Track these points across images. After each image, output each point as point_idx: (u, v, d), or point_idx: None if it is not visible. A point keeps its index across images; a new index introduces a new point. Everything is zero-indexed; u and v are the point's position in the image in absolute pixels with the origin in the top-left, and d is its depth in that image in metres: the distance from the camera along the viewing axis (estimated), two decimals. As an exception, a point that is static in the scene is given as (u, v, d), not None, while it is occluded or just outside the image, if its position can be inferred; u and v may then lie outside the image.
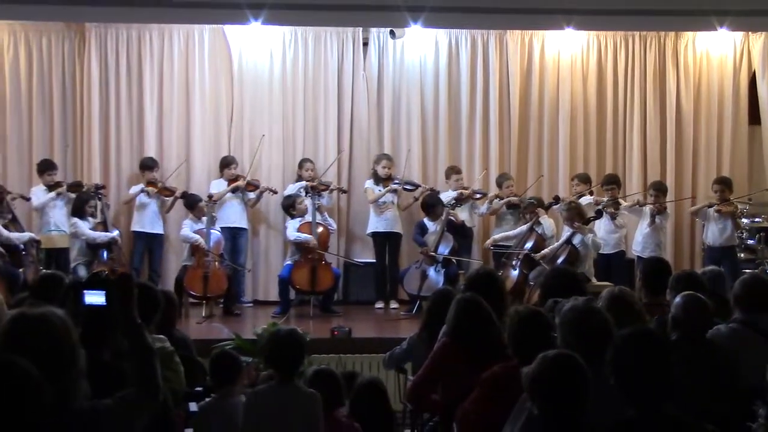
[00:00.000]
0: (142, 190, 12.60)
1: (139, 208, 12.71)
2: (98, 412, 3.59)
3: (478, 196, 13.02)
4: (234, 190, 12.71)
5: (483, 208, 13.03)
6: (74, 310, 3.87)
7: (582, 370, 4.16)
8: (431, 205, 12.59)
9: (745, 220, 12.55)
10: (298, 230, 12.33)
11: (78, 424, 3.43)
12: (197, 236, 12.20)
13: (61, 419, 3.15)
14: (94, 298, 3.95)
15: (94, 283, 3.99)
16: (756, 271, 10.76)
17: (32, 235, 11.69)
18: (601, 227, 12.25)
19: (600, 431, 3.94)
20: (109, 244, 12.00)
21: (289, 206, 12.52)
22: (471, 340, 6.07)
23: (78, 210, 11.98)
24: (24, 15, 12.29)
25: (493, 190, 13.12)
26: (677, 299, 5.81)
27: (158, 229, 12.84)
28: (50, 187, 12.22)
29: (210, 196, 12.47)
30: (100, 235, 11.95)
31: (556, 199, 12.65)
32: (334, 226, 12.92)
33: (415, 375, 6.56)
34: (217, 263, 12.23)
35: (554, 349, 4.48)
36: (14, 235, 11.25)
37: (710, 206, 12.39)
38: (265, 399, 5.46)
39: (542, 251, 11.71)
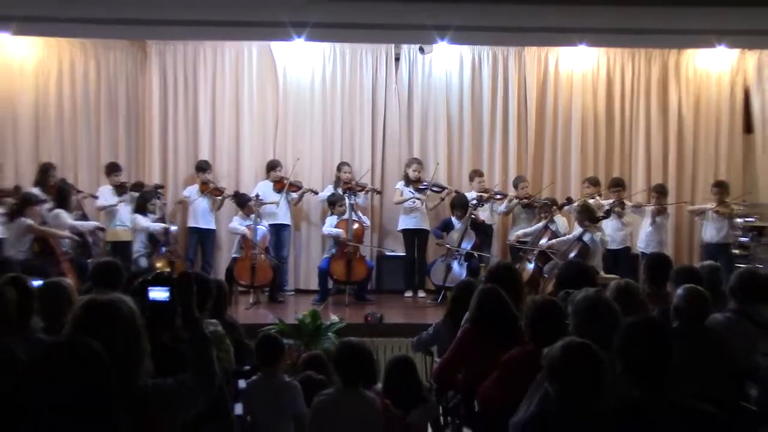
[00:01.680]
0: (191, 194, 12.80)
1: (193, 206, 12.81)
2: (160, 389, 3.62)
3: (498, 197, 13.01)
4: (279, 191, 12.76)
5: (502, 207, 13.03)
6: (140, 303, 3.90)
7: (599, 360, 4.14)
8: (459, 205, 12.58)
9: (739, 220, 12.52)
10: (336, 226, 12.45)
11: (141, 398, 3.45)
12: (243, 228, 12.31)
13: (126, 394, 3.17)
14: (158, 293, 4.03)
15: (158, 281, 4.05)
16: (749, 266, 10.71)
17: (97, 223, 11.82)
18: (609, 225, 12.19)
19: (607, 412, 3.91)
20: (166, 235, 12.09)
21: (334, 203, 12.60)
22: (491, 326, 6.07)
23: (140, 207, 12.12)
24: (94, 33, 12.38)
25: (511, 191, 13.10)
26: (679, 291, 5.79)
27: (210, 225, 12.91)
28: (116, 188, 12.35)
29: (257, 196, 12.53)
30: (155, 226, 12.06)
31: (569, 200, 12.72)
32: (368, 222, 12.96)
33: (441, 358, 6.56)
34: (263, 256, 12.29)
35: (571, 337, 4.47)
36: (79, 223, 11.40)
37: (709, 208, 12.53)
38: (330, 404, 5.46)
39: (551, 241, 11.75)
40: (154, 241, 12.11)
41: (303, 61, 13.58)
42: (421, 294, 12.92)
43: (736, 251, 12.37)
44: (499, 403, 5.16)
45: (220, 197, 12.82)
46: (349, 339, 5.98)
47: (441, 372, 6.41)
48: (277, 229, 12.79)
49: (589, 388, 4.11)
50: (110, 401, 2.87)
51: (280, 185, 12.79)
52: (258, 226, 12.38)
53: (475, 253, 12.30)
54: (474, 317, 6.22)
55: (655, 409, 3.78)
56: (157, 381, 3.65)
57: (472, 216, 12.52)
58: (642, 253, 12.12)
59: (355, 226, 12.50)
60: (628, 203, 12.66)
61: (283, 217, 12.88)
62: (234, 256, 12.50)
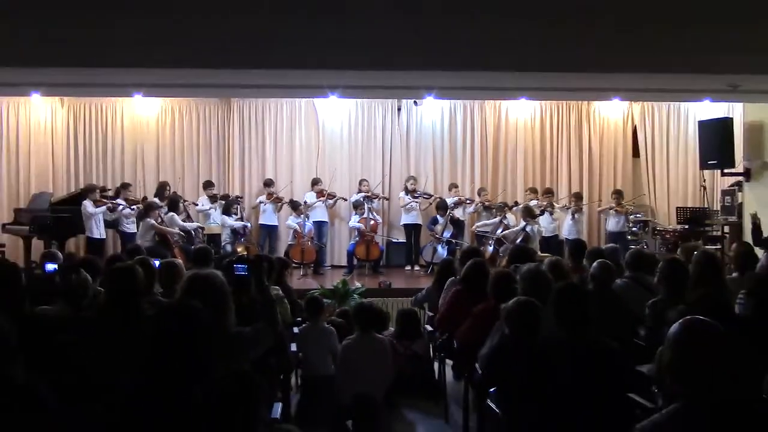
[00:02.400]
0: (261, 201, 12.79)
1: (262, 209, 12.79)
2: (242, 335, 3.60)
3: (468, 201, 12.99)
4: (320, 198, 12.75)
5: (470, 208, 13.01)
6: (228, 276, 3.90)
7: (537, 309, 4.13)
8: (442, 207, 12.61)
9: (631, 216, 12.48)
10: (359, 222, 12.49)
11: (230, 343, 3.44)
12: (296, 225, 12.32)
13: (219, 340, 3.15)
14: (240, 270, 4.03)
15: (240, 261, 4.06)
16: (638, 247, 10.70)
17: (199, 224, 11.91)
18: (543, 220, 12.21)
19: (544, 346, 3.87)
20: (244, 230, 12.17)
21: (357, 206, 12.63)
22: (475, 287, 5.95)
23: (226, 211, 12.18)
24: (196, 94, 12.48)
25: (476, 198, 13.07)
26: (594, 265, 5.75)
27: (274, 222, 12.88)
28: (210, 198, 12.40)
29: (305, 202, 12.55)
30: (237, 224, 12.16)
31: (516, 203, 12.74)
32: (380, 219, 12.96)
33: (440, 310, 6.37)
34: (309, 242, 12.31)
35: (518, 296, 4.45)
36: (186, 224, 11.51)
37: (611, 208, 12.53)
38: (353, 345, 5.45)
39: (505, 232, 11.75)
40: (235, 233, 12.16)
41: (335, 111, 13.55)
42: (417, 268, 12.84)
43: (630, 237, 12.33)
44: (471, 342, 5.13)
45: (280, 203, 12.83)
46: (362, 301, 5.98)
47: (441, 320, 6.23)
48: (319, 225, 12.75)
49: (531, 330, 4.09)
50: (208, 343, 2.85)
51: (320, 195, 12.77)
52: (306, 223, 12.39)
53: (453, 240, 12.31)
54: (465, 280, 6.10)
55: (576, 345, 3.74)
56: (240, 330, 3.63)
57: (451, 215, 12.55)
58: (566, 239, 12.05)
59: (372, 222, 12.54)
60: (556, 205, 12.65)
61: (323, 216, 12.85)
62: (290, 243, 12.54)
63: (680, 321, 2.49)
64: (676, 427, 2.27)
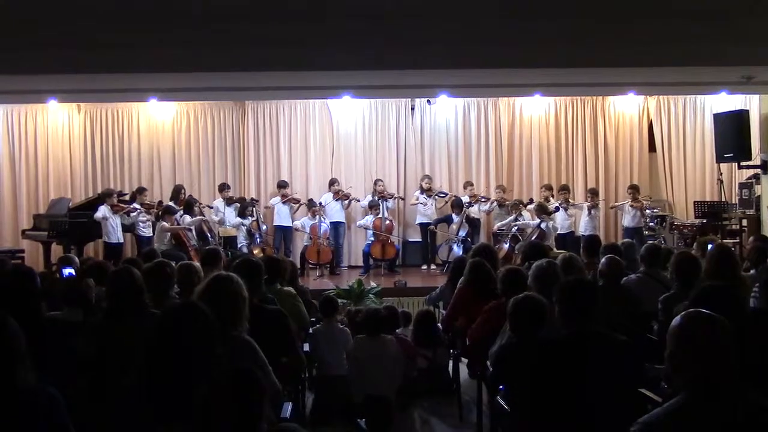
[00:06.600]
0: (275, 203, 12.79)
1: (277, 211, 12.82)
2: (251, 342, 3.61)
3: (483, 199, 12.97)
4: (336, 198, 12.79)
5: (486, 207, 12.98)
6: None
7: (538, 305, 4.12)
8: (457, 205, 12.61)
9: (647, 211, 12.40)
10: (373, 223, 12.55)
11: (236, 347, 3.44)
12: (301, 226, 12.51)
13: (225, 344, 3.15)
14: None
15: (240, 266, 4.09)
16: (654, 242, 10.62)
17: (200, 218, 11.84)
18: (559, 217, 12.18)
19: (550, 343, 3.86)
20: (259, 230, 12.24)
21: (373, 207, 12.67)
22: (478, 286, 5.99)
23: (241, 213, 12.24)
24: (211, 97, 12.59)
25: (492, 195, 13.04)
26: (603, 260, 5.76)
27: (289, 224, 12.86)
28: (226, 200, 12.46)
29: (320, 203, 12.60)
30: (247, 221, 12.23)
31: (531, 201, 12.66)
32: (393, 221, 12.98)
33: (447, 309, 6.47)
34: (325, 243, 12.35)
35: (527, 292, 4.46)
36: (189, 221, 11.50)
37: (624, 203, 12.47)
38: (362, 345, 5.49)
39: (520, 223, 11.89)
40: (251, 235, 12.23)
41: (349, 111, 13.56)
42: (432, 266, 12.84)
43: (647, 232, 12.25)
44: (482, 339, 5.14)
45: (296, 205, 12.89)
46: (369, 306, 6.02)
47: (446, 319, 6.35)
48: (335, 225, 12.79)
49: (530, 328, 4.09)
50: (210, 343, 2.87)
51: (336, 196, 12.81)
52: (321, 224, 12.42)
53: (468, 239, 12.30)
54: (467, 280, 6.17)
55: (582, 339, 3.71)
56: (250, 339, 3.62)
57: (467, 213, 12.54)
58: (582, 235, 11.96)
59: (387, 222, 12.60)
60: (571, 201, 12.57)
61: (339, 216, 12.89)
62: (305, 244, 12.57)
63: (682, 313, 2.49)
64: (675, 421, 2.27)
